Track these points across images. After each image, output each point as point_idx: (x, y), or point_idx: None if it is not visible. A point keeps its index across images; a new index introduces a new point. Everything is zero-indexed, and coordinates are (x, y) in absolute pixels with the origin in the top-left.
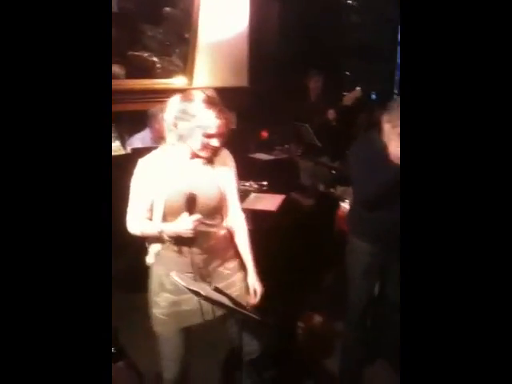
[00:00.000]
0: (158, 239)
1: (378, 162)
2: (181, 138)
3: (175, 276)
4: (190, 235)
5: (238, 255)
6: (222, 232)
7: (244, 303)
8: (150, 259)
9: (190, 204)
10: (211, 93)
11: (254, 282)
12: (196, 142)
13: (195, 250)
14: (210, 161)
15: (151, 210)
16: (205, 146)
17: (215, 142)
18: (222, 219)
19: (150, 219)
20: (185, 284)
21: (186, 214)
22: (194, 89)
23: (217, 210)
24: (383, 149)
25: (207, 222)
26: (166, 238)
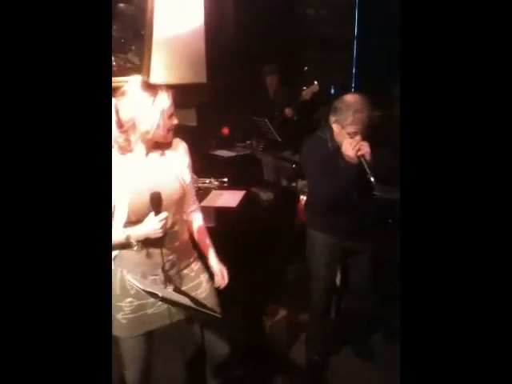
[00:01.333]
0: (124, 245)
1: (331, 163)
2: (131, 131)
3: (131, 279)
4: (160, 235)
5: (201, 257)
6: (186, 234)
7: (212, 304)
8: None
9: (156, 202)
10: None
11: (218, 264)
12: (155, 129)
13: (160, 251)
14: (165, 153)
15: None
16: (168, 129)
17: (175, 120)
18: (183, 213)
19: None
20: (141, 286)
21: (152, 214)
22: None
23: (179, 204)
24: (336, 149)
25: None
26: (133, 242)
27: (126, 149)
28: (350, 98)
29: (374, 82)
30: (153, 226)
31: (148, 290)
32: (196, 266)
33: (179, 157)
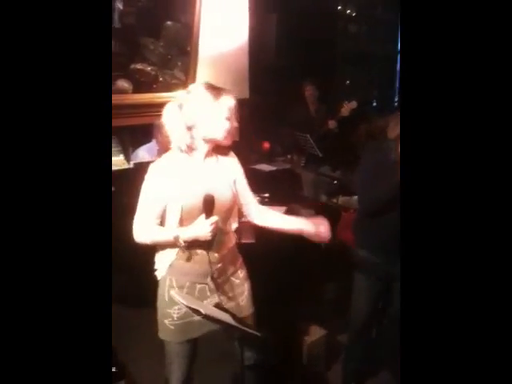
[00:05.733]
0: (172, 245)
1: (384, 169)
2: (192, 133)
3: (176, 295)
4: (209, 238)
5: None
6: (233, 242)
7: (249, 312)
8: (161, 272)
9: (208, 205)
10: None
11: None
12: (218, 130)
13: (210, 259)
14: (221, 160)
15: (161, 217)
16: (228, 131)
17: (235, 123)
18: (231, 222)
19: (160, 225)
20: (185, 302)
21: (202, 217)
22: None
23: (228, 213)
24: (396, 162)
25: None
26: (181, 243)
27: (188, 151)
28: None
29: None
30: (203, 228)
31: (192, 306)
32: (242, 273)
33: (233, 167)
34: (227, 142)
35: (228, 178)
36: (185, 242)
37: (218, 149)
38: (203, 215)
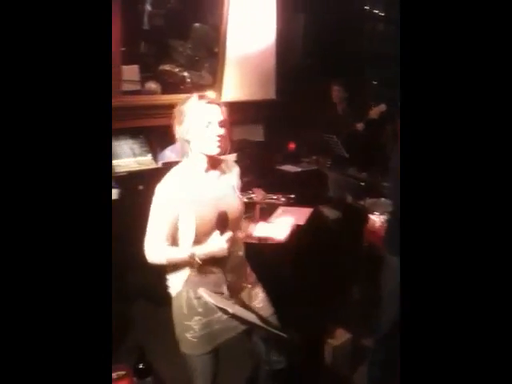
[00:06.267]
0: (188, 264)
1: None
2: (192, 145)
3: (204, 293)
4: (226, 254)
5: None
6: (242, 251)
7: (268, 314)
8: (175, 288)
9: (222, 222)
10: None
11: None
12: (206, 139)
13: (223, 269)
14: (222, 171)
15: (172, 237)
16: (213, 140)
17: (222, 131)
18: (240, 231)
19: (172, 245)
20: (213, 301)
21: (217, 233)
22: None
23: (237, 222)
24: None
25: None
26: (198, 261)
27: (192, 164)
28: None
29: None
30: (219, 244)
31: (220, 305)
32: (251, 277)
33: (234, 178)
34: (216, 152)
35: (232, 186)
36: (201, 259)
37: (219, 160)
38: (217, 232)
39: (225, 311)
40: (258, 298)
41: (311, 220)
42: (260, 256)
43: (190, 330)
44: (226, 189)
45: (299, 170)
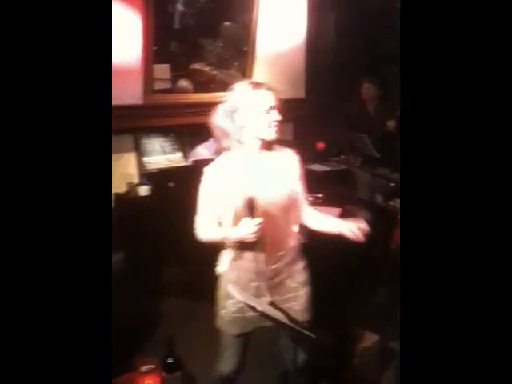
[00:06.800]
0: (225, 245)
1: None
2: (242, 132)
3: (233, 290)
4: (253, 240)
5: (307, 269)
6: (294, 244)
7: (303, 318)
8: (222, 268)
9: (251, 207)
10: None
11: (342, 225)
12: (259, 124)
13: (266, 259)
14: (274, 158)
15: (220, 217)
16: (269, 124)
17: (277, 115)
18: (291, 223)
19: (220, 225)
20: (241, 298)
21: (247, 219)
22: None
23: (284, 213)
24: None
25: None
26: (229, 244)
27: (241, 150)
28: None
29: None
30: (247, 229)
31: (248, 303)
32: (300, 277)
33: (291, 167)
34: (270, 136)
35: (285, 177)
36: (231, 242)
37: (275, 147)
38: (248, 217)
39: (253, 308)
40: (300, 300)
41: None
42: (315, 255)
43: (224, 308)
44: (275, 175)
45: (328, 169)
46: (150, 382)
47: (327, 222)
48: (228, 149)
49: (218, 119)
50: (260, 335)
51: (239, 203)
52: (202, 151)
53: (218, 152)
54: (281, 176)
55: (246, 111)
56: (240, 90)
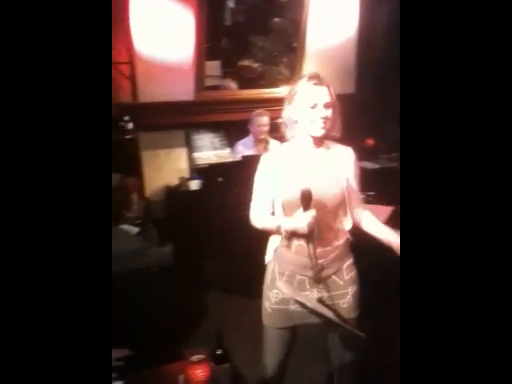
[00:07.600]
0: (277, 233)
1: None
2: (299, 125)
3: (281, 286)
4: (305, 232)
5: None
6: (342, 241)
7: (350, 316)
8: (268, 257)
9: (305, 200)
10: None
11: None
12: (310, 120)
13: (310, 252)
14: (327, 154)
15: (273, 205)
16: (318, 122)
17: (328, 112)
18: (341, 220)
19: (273, 214)
20: (291, 295)
21: (300, 210)
22: None
23: (335, 209)
24: None
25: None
26: (283, 233)
27: (297, 143)
28: None
29: None
30: (300, 220)
31: (298, 299)
32: (348, 275)
33: (347, 164)
34: (318, 133)
35: (340, 173)
36: (285, 231)
37: (334, 143)
38: (301, 209)
39: (302, 304)
40: (346, 298)
41: (391, 219)
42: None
43: (268, 300)
44: (329, 171)
45: (378, 166)
46: (199, 371)
47: (380, 228)
48: (288, 140)
49: (284, 112)
50: (305, 332)
51: (294, 194)
52: (242, 148)
53: (256, 148)
54: (337, 172)
55: (298, 105)
56: (298, 84)
